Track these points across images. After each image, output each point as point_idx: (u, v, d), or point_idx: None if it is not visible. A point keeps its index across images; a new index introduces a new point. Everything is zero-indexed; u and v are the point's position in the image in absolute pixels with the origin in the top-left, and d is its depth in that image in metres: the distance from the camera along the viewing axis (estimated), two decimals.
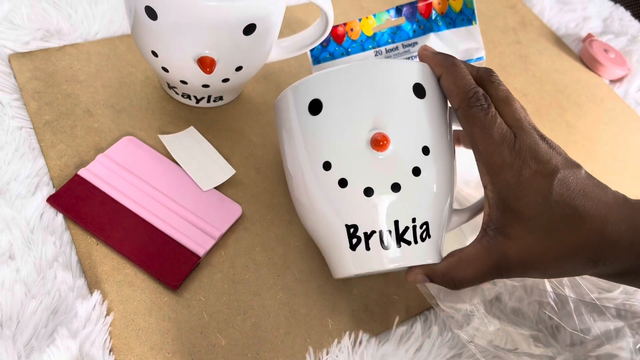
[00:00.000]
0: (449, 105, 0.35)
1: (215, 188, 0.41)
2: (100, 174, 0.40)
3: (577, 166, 0.32)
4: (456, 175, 0.35)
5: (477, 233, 0.34)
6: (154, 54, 0.40)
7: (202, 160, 0.42)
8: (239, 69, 0.41)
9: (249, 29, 0.38)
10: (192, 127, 0.44)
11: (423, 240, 0.32)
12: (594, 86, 0.63)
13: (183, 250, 0.38)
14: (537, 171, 0.31)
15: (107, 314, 0.34)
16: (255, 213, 0.41)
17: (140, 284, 0.36)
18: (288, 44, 0.46)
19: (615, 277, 0.32)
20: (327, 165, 0.32)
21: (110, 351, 0.33)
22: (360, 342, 0.37)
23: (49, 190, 0.39)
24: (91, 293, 0.35)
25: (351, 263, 0.33)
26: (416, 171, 0.32)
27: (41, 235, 0.36)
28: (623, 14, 0.74)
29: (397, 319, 0.39)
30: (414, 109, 0.33)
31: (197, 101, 0.45)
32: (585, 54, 0.65)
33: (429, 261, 0.33)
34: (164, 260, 0.37)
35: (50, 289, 0.34)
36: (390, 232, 0.32)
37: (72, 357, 0.32)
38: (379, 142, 0.31)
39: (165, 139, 0.43)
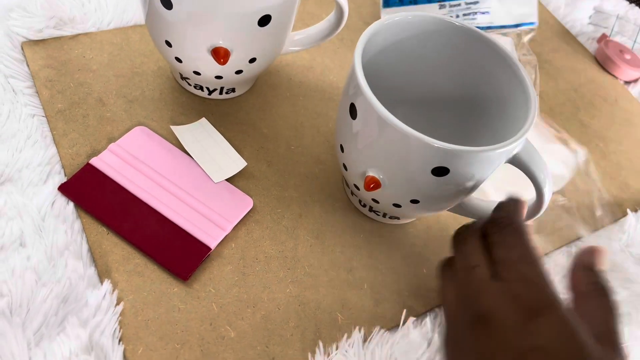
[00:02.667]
0: None
1: (227, 180, 0.41)
2: (111, 163, 0.40)
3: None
4: None
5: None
6: (168, 43, 0.40)
7: (213, 152, 0.42)
8: (252, 60, 0.41)
9: (264, 20, 0.37)
10: (204, 119, 0.44)
11: None
12: (609, 86, 0.62)
13: (194, 241, 0.37)
14: None
15: (117, 304, 0.34)
16: (266, 206, 0.41)
17: (150, 274, 0.36)
18: (302, 36, 0.45)
19: None
20: None
21: (119, 340, 0.33)
22: (371, 338, 0.37)
23: (60, 178, 0.38)
24: (101, 282, 0.35)
25: None
26: None
27: (52, 223, 0.36)
28: (638, 14, 0.73)
29: (407, 314, 0.38)
30: None
31: (210, 93, 0.45)
32: (601, 55, 0.64)
33: None
34: (175, 251, 0.37)
35: (61, 277, 0.34)
36: None
37: (82, 346, 0.31)
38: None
39: (177, 129, 0.43)
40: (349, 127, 0.36)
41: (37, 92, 0.43)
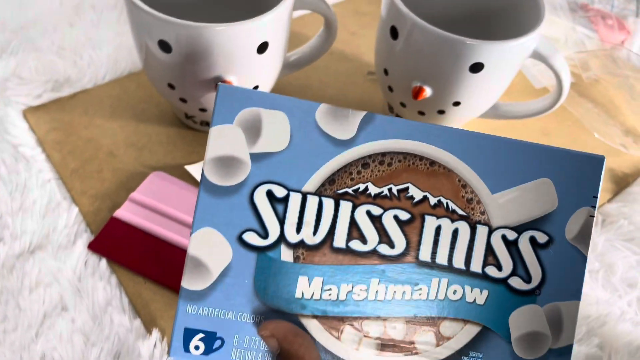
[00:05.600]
0: None
1: None
2: (135, 212, 0.40)
3: None
4: None
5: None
6: (171, 86, 0.40)
7: None
8: (255, 88, 0.41)
9: (262, 48, 0.38)
10: None
11: None
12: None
13: None
14: None
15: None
16: None
17: None
18: (297, 56, 0.46)
19: None
20: None
21: None
22: None
23: (88, 236, 0.39)
24: (149, 332, 0.35)
25: None
26: None
27: (89, 282, 0.36)
28: None
29: None
30: None
31: None
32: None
33: None
34: None
35: (109, 334, 0.34)
36: None
37: None
38: None
39: (191, 168, 0.43)
40: (391, 48, 0.41)
41: (48, 157, 0.43)
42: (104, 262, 0.37)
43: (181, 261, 0.38)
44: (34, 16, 0.54)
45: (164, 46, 0.37)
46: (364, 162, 0.28)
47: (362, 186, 0.28)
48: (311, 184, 0.28)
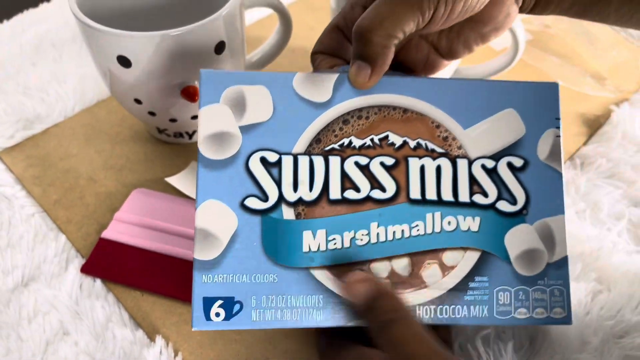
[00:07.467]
0: None
1: None
2: (122, 230, 0.40)
3: None
4: None
5: None
6: (137, 101, 0.40)
7: None
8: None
9: (220, 48, 0.39)
10: (193, 162, 0.45)
11: None
12: None
13: None
14: None
15: (176, 355, 0.34)
16: None
17: None
18: (259, 56, 0.47)
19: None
20: None
21: None
22: None
23: (79, 261, 0.39)
24: (153, 340, 0.35)
25: None
26: None
27: (87, 303, 0.36)
28: None
29: None
30: None
31: (190, 137, 0.46)
32: None
33: None
34: None
35: (114, 349, 0.34)
36: None
37: None
38: None
39: (172, 180, 0.43)
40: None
41: (28, 192, 0.43)
42: (98, 282, 0.37)
43: (173, 269, 0.38)
44: None
45: (124, 61, 0.37)
46: (343, 119, 0.30)
47: (346, 141, 0.30)
48: (299, 146, 0.29)
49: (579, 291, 0.36)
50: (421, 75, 0.34)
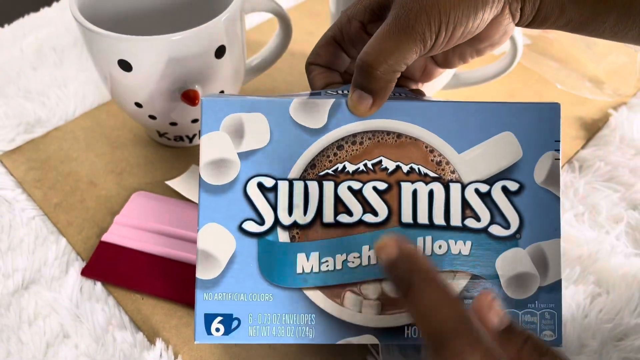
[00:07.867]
0: None
1: None
2: (122, 233, 0.40)
3: None
4: None
5: None
6: (138, 105, 0.41)
7: None
8: (221, 92, 0.42)
9: (220, 52, 0.39)
10: (193, 165, 0.45)
11: None
12: None
13: None
14: None
15: (176, 357, 0.34)
16: None
17: None
18: (258, 60, 0.47)
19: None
20: None
21: None
22: None
23: (79, 264, 0.39)
24: (153, 343, 0.35)
25: None
26: None
27: (87, 306, 0.36)
28: None
29: None
30: None
31: (190, 140, 0.46)
32: None
33: None
34: None
35: (114, 352, 0.34)
36: None
37: None
38: None
39: (172, 183, 0.44)
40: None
41: (29, 195, 0.43)
42: (99, 285, 0.38)
43: (173, 272, 0.38)
44: None
45: (125, 65, 0.37)
46: (338, 145, 0.30)
47: (340, 166, 0.30)
48: (295, 171, 0.30)
49: (577, 294, 0.36)
50: (417, 96, 0.34)
